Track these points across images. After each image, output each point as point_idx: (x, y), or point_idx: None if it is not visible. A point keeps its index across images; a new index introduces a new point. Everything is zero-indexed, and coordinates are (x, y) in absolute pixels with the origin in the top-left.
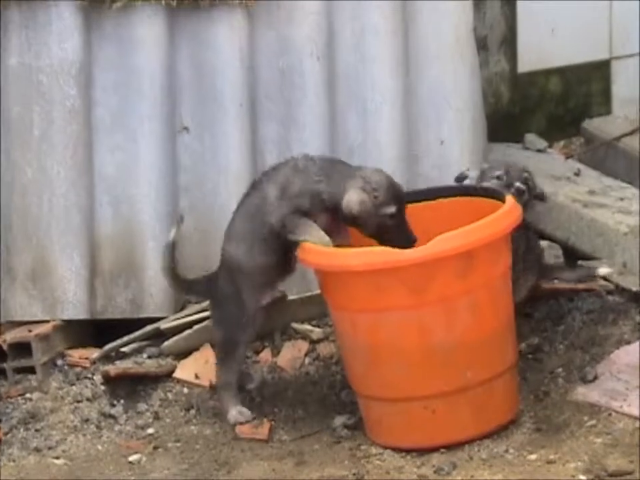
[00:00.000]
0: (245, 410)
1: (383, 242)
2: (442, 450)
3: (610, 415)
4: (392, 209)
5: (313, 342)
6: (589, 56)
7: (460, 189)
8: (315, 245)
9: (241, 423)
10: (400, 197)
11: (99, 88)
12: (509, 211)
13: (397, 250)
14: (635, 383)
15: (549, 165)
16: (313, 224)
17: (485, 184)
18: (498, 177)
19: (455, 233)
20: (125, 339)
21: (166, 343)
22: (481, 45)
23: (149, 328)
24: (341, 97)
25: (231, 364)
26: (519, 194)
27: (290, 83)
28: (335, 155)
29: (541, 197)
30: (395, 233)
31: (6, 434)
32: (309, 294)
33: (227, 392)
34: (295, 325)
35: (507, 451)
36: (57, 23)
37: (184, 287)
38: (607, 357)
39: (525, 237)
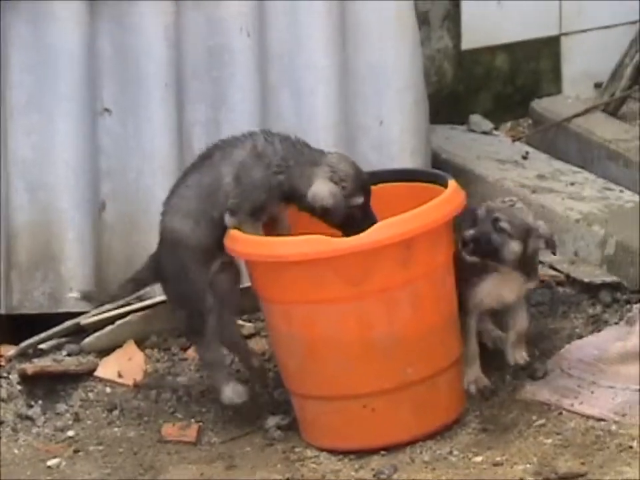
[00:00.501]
0: (239, 388)
1: (348, 232)
2: (382, 452)
3: (560, 413)
4: (360, 200)
5: (244, 337)
6: (538, 32)
7: (401, 174)
8: (243, 233)
9: (236, 404)
10: (367, 186)
11: (15, 67)
12: (450, 197)
13: (332, 238)
14: (587, 380)
15: (495, 148)
16: (259, 229)
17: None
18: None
19: (394, 220)
20: (43, 335)
21: (87, 340)
22: (422, 20)
23: (68, 323)
24: (273, 75)
25: (205, 340)
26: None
27: (219, 61)
28: None
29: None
30: (361, 222)
31: None
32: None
33: (214, 370)
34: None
35: (450, 452)
36: None
37: (130, 289)
38: (558, 352)
39: None
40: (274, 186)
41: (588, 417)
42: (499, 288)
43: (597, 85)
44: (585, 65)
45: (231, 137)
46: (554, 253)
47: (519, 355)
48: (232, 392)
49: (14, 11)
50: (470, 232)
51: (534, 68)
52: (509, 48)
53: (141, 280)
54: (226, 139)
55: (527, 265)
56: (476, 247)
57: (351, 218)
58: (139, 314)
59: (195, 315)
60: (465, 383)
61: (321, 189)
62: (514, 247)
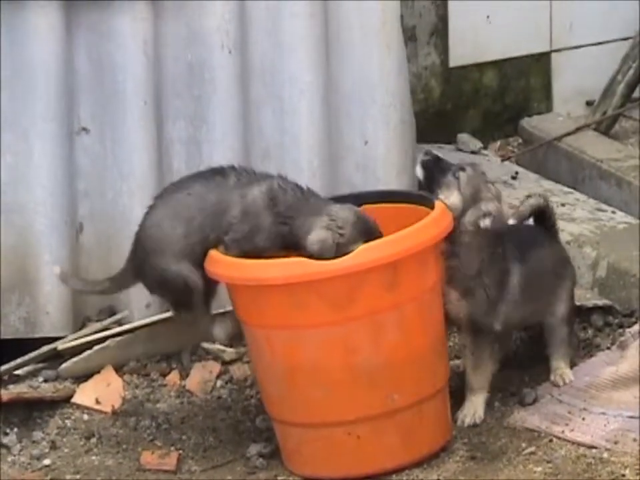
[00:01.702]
0: (226, 322)
1: None
2: None
3: (551, 441)
4: (360, 244)
5: (225, 363)
6: (528, 48)
7: (387, 195)
8: (224, 255)
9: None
10: (371, 231)
11: None
12: (437, 219)
13: (315, 261)
14: (578, 406)
15: (483, 168)
16: None
17: None
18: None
19: (379, 243)
20: (19, 360)
21: (64, 365)
22: (409, 36)
23: (45, 349)
24: (255, 92)
25: (193, 312)
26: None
27: (199, 78)
28: (249, 156)
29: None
30: None
31: None
32: (220, 310)
33: (200, 317)
34: (206, 345)
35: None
36: None
37: (107, 286)
38: (548, 377)
39: None
40: (279, 235)
41: (579, 445)
42: None
43: (589, 103)
44: (576, 82)
45: (249, 168)
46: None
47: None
48: (219, 328)
49: None
50: (432, 154)
51: (524, 85)
52: (498, 65)
53: (121, 280)
54: (242, 168)
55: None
56: (427, 168)
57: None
58: (117, 339)
59: (181, 298)
60: (459, 413)
61: (314, 238)
62: (454, 197)
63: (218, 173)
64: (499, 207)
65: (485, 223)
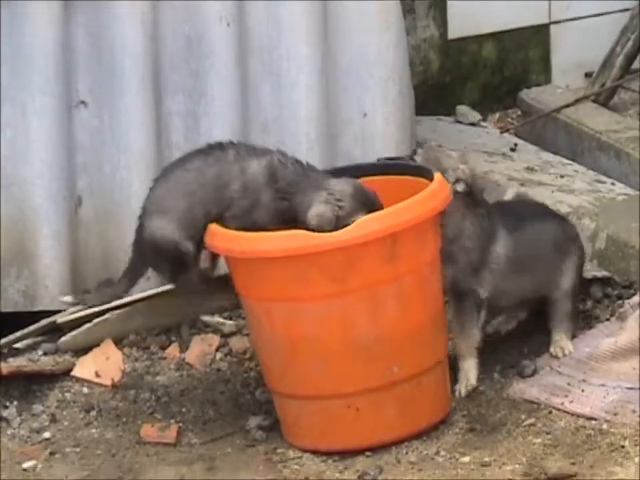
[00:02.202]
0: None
1: None
2: (367, 453)
3: (550, 412)
4: (361, 216)
5: (225, 336)
6: (526, 20)
7: (386, 167)
8: (223, 229)
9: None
10: (370, 202)
11: None
12: (436, 191)
13: (314, 234)
14: (578, 378)
15: (482, 140)
16: None
17: None
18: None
19: (378, 215)
20: (18, 334)
21: (63, 339)
22: (408, 9)
23: (44, 322)
24: (253, 66)
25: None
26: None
27: (197, 51)
28: (247, 129)
29: None
30: None
31: None
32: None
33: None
34: (205, 317)
35: (437, 452)
36: None
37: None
38: (547, 349)
39: None
40: (278, 211)
41: (578, 416)
42: None
43: (588, 75)
44: (574, 54)
45: (248, 144)
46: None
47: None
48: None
49: None
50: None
51: (522, 57)
52: (496, 37)
53: (134, 271)
54: (241, 143)
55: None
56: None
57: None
58: (116, 312)
59: (175, 263)
60: (456, 386)
61: (312, 211)
62: None
63: (216, 147)
64: (466, 169)
65: (460, 187)
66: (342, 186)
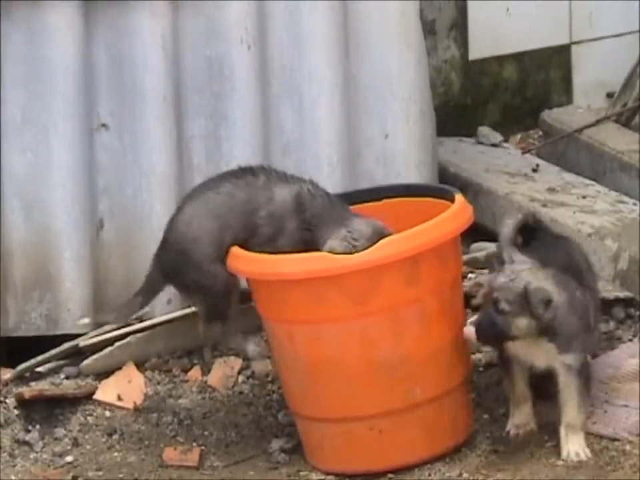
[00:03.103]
0: (258, 338)
1: None
2: (389, 475)
3: None
4: None
5: (247, 359)
6: (548, 40)
7: (406, 188)
8: (244, 251)
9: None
10: None
11: (8, 82)
12: (457, 212)
13: (335, 256)
14: (600, 398)
15: (504, 161)
16: None
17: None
18: None
19: (399, 237)
20: (40, 358)
21: (85, 362)
22: (429, 30)
23: (66, 346)
24: (274, 88)
25: (227, 322)
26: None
27: (218, 73)
28: (268, 152)
29: None
30: None
31: None
32: (241, 306)
33: (231, 336)
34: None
35: (460, 475)
36: None
37: (140, 302)
38: None
39: None
40: (302, 240)
41: (601, 437)
42: (526, 351)
43: (609, 95)
44: (596, 74)
45: (279, 170)
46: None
47: (572, 450)
48: (253, 346)
49: (8, 21)
50: (473, 318)
51: (544, 78)
52: (517, 57)
53: (151, 288)
54: (272, 169)
55: (549, 331)
56: (482, 333)
57: None
58: (138, 335)
59: (217, 300)
60: (508, 424)
61: (326, 245)
62: (520, 323)
63: (248, 172)
64: None
65: None
66: (362, 226)
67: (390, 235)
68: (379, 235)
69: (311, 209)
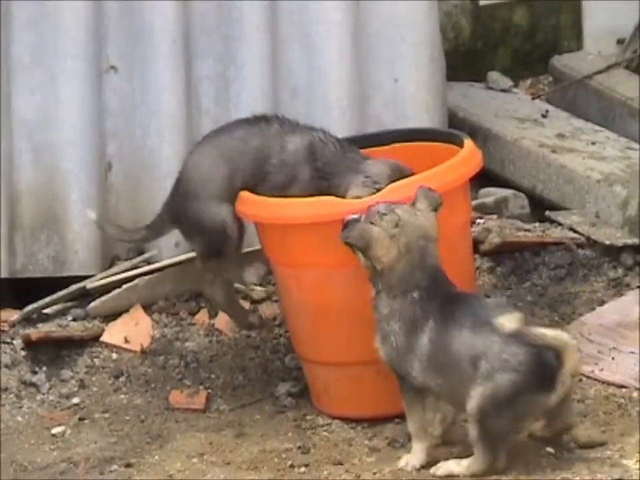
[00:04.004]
0: (255, 265)
1: None
2: (396, 420)
3: (580, 380)
4: None
5: (254, 302)
6: None
7: (415, 133)
8: (252, 195)
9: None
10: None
11: (16, 22)
12: (466, 158)
13: (343, 200)
14: (608, 345)
15: (514, 106)
16: None
17: None
18: None
19: (407, 181)
20: (48, 299)
21: (92, 304)
22: None
23: (73, 287)
24: (283, 31)
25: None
26: None
27: (227, 16)
28: (277, 94)
29: None
30: None
31: None
32: (248, 249)
33: (229, 264)
34: (235, 284)
35: (467, 420)
36: None
37: (145, 235)
38: (578, 317)
39: None
40: (316, 189)
41: (609, 384)
42: None
43: (620, 41)
44: (606, 20)
45: (292, 120)
46: None
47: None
48: (249, 271)
49: None
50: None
51: (554, 23)
52: (528, 3)
53: (157, 226)
54: (286, 118)
55: None
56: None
57: None
58: (146, 278)
59: (215, 243)
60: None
61: (349, 195)
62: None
63: (262, 119)
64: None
65: None
66: (379, 168)
67: (410, 173)
68: (398, 173)
69: (323, 157)
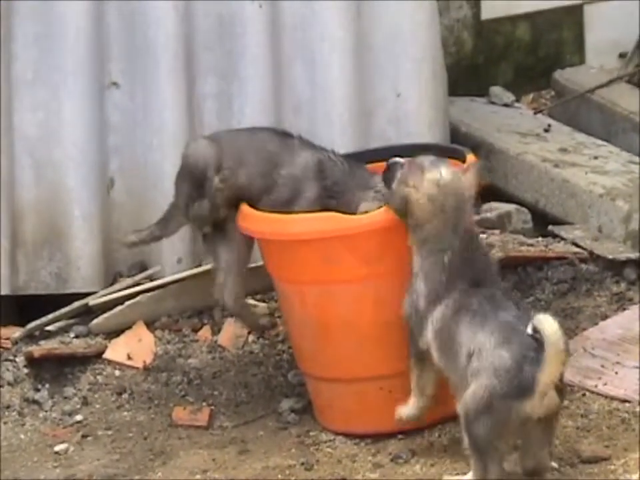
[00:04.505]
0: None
1: None
2: (399, 435)
3: (584, 395)
4: None
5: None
6: (560, 0)
7: (418, 148)
8: (255, 211)
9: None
10: None
11: (19, 39)
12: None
13: (347, 216)
14: (611, 360)
15: (516, 121)
16: None
17: None
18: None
19: None
20: (50, 316)
21: (95, 321)
22: None
23: (76, 304)
24: (286, 46)
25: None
26: None
27: (230, 31)
28: (280, 110)
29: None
30: None
31: None
32: (251, 265)
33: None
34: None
35: None
36: None
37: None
38: (581, 331)
39: None
40: (321, 206)
41: (612, 399)
42: None
43: (622, 55)
44: (609, 34)
45: (307, 139)
46: None
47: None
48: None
49: None
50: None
51: (556, 38)
52: (530, 17)
53: (166, 220)
54: (307, 140)
55: None
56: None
57: None
58: (148, 294)
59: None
60: None
61: (360, 209)
62: None
63: (285, 132)
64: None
65: None
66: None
67: None
68: None
69: (332, 176)
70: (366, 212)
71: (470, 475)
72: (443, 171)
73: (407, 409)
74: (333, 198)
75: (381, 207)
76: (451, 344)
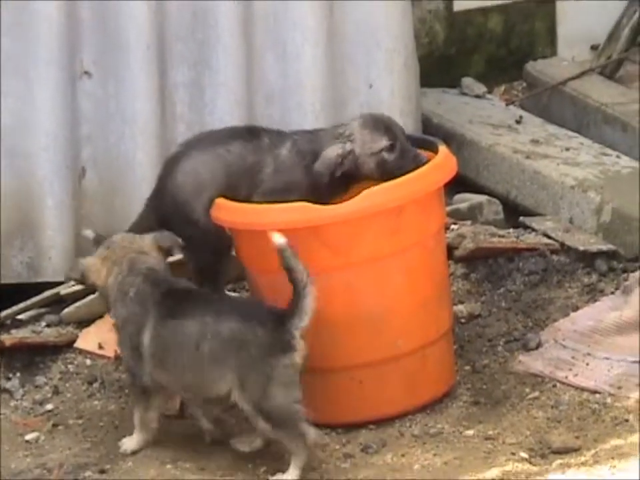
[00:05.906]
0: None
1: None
2: (370, 426)
3: (554, 386)
4: (384, 142)
5: None
6: None
7: None
8: (228, 201)
9: None
10: (389, 128)
11: None
12: (441, 164)
13: (318, 206)
14: (582, 351)
15: (487, 112)
16: None
17: None
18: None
19: (382, 187)
20: (22, 305)
21: (66, 310)
22: None
23: (47, 293)
24: (258, 37)
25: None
26: None
27: (203, 22)
28: (252, 100)
29: None
30: (404, 162)
31: None
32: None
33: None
34: None
35: (441, 426)
36: None
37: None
38: (552, 322)
39: None
40: (312, 187)
41: (583, 390)
42: None
43: (594, 47)
44: (581, 26)
45: (277, 130)
46: None
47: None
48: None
49: None
50: None
51: (528, 29)
52: (502, 9)
53: (144, 227)
54: (270, 129)
55: None
56: None
57: (387, 164)
58: None
59: (208, 260)
60: None
61: (322, 158)
62: None
63: (254, 134)
64: None
65: None
66: (348, 125)
67: (386, 118)
68: (373, 122)
69: (302, 149)
70: (329, 156)
71: (292, 463)
72: (114, 238)
73: (131, 444)
74: (307, 169)
75: (345, 148)
76: (173, 353)
